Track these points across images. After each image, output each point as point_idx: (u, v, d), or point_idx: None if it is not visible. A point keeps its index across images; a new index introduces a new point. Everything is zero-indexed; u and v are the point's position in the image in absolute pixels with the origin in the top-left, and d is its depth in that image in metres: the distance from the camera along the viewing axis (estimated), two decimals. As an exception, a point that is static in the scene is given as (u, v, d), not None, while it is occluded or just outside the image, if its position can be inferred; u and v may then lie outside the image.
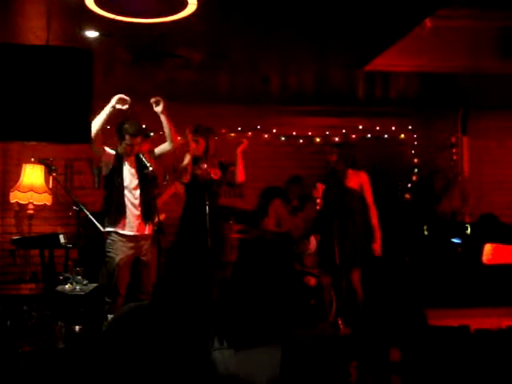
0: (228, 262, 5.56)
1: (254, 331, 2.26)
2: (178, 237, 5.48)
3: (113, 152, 4.81)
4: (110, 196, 4.82)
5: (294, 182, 6.53)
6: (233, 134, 7.16)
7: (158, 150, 5.04)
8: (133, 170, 4.83)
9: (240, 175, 5.65)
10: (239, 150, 5.66)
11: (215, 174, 5.49)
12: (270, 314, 2.28)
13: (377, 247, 5.53)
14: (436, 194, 7.20)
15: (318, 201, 5.67)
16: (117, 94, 4.67)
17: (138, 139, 4.82)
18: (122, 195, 4.76)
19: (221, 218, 5.52)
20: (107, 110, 4.65)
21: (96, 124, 4.59)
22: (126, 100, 4.66)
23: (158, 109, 4.85)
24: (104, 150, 4.77)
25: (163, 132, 5.04)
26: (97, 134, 4.61)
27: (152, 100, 4.85)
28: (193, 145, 5.42)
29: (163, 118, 4.90)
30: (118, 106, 4.64)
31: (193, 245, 4.98)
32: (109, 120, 4.70)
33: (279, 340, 2.24)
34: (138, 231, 4.79)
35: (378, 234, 5.56)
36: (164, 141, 5.06)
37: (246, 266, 2.37)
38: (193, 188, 5.48)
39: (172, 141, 4.96)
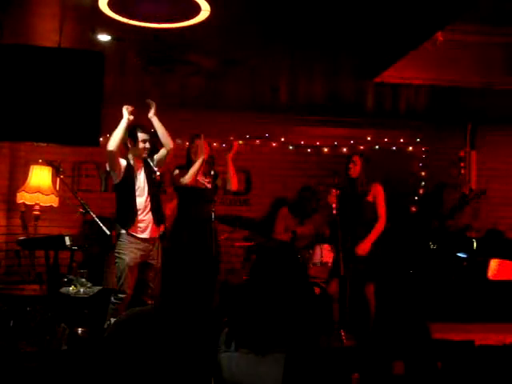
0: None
1: (261, 337, 2.26)
2: (172, 243, 5.37)
3: (124, 161, 4.85)
4: (122, 201, 4.85)
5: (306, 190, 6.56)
6: (241, 142, 7.17)
7: (156, 156, 5.01)
8: (143, 175, 4.88)
9: (233, 183, 5.48)
10: (230, 156, 5.47)
11: (208, 182, 5.44)
12: (278, 322, 2.28)
13: (363, 246, 5.34)
14: (445, 208, 7.16)
15: (334, 205, 5.50)
16: (124, 105, 4.71)
17: (149, 140, 4.89)
18: (134, 200, 4.80)
19: (212, 224, 5.32)
20: (124, 123, 4.69)
21: (116, 137, 4.65)
22: (133, 110, 4.73)
23: (151, 112, 4.89)
24: (118, 160, 4.79)
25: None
26: (117, 146, 4.67)
27: (147, 101, 4.88)
28: (207, 148, 5.42)
29: (155, 121, 4.92)
30: (131, 118, 4.70)
31: (196, 251, 4.98)
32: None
33: (284, 348, 2.23)
34: (148, 234, 4.82)
35: (371, 237, 5.37)
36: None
37: (254, 274, 2.37)
38: (187, 195, 5.44)
39: (167, 142, 4.96)
